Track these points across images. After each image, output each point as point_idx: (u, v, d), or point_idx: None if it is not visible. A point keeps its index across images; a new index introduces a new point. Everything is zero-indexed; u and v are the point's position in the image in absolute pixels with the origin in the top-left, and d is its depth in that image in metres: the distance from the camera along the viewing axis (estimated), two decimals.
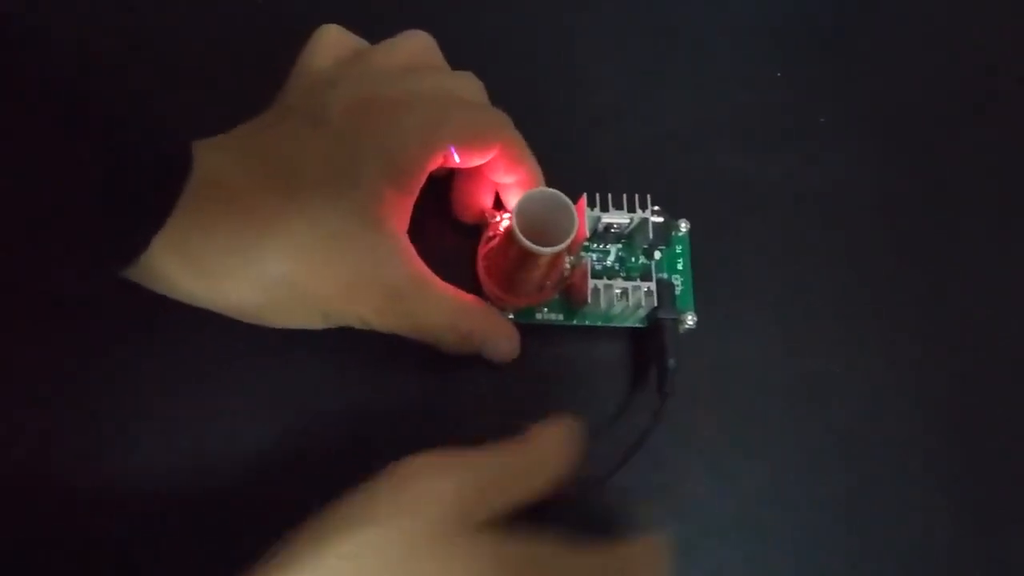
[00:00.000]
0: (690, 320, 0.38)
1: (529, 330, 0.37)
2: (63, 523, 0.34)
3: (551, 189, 0.33)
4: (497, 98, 0.38)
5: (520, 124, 0.36)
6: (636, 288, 0.36)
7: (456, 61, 0.38)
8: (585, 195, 0.37)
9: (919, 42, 0.46)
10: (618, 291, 0.36)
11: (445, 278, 0.36)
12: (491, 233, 0.37)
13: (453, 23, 0.40)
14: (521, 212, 0.32)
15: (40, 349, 0.36)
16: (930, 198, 0.43)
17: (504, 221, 0.37)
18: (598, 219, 0.37)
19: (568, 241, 0.32)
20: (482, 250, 0.37)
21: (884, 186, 0.43)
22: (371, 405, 0.36)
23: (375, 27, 0.37)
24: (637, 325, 0.38)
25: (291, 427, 0.36)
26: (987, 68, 0.46)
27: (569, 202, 0.32)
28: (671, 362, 0.36)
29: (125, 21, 0.42)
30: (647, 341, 0.38)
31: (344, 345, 0.36)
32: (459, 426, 0.36)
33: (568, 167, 0.39)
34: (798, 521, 0.37)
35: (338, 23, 0.37)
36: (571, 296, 0.38)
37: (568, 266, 0.37)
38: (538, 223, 0.33)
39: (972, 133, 0.44)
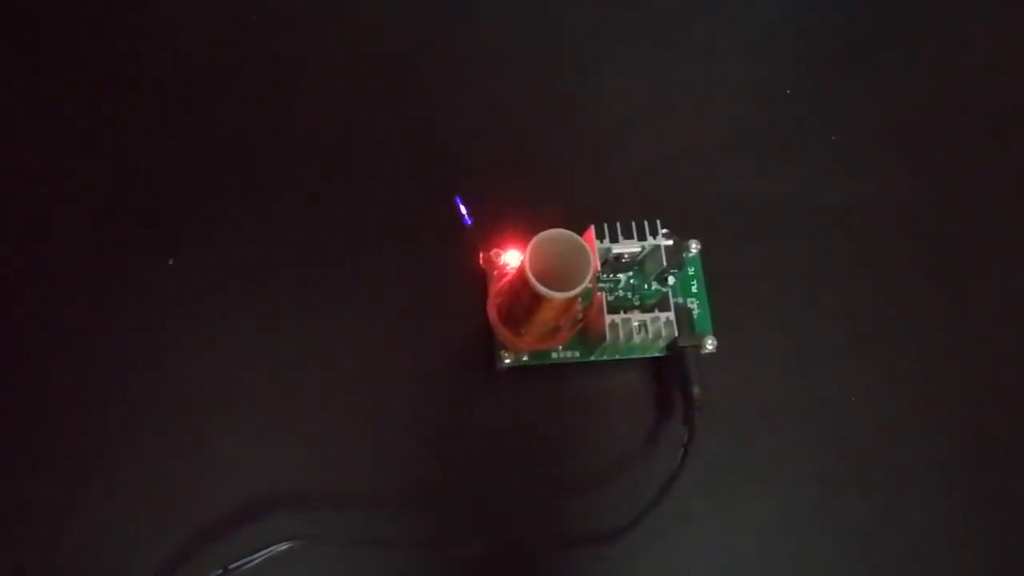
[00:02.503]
0: (710, 344, 0.36)
1: (546, 371, 0.36)
2: None
3: (565, 231, 0.31)
4: (494, 115, 0.37)
5: (519, 143, 0.35)
6: (655, 319, 0.35)
7: (453, 74, 0.37)
8: (593, 227, 0.35)
9: (935, 54, 0.44)
10: (636, 324, 0.34)
11: (451, 322, 0.35)
12: (497, 273, 0.36)
13: (451, 34, 0.39)
14: (535, 255, 0.31)
15: None
16: (951, 214, 0.41)
17: (511, 260, 0.36)
18: (608, 250, 0.35)
19: (585, 284, 0.30)
20: (491, 292, 0.35)
21: (902, 202, 0.41)
22: (389, 451, 0.35)
23: (375, 31, 0.37)
24: (657, 355, 0.37)
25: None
26: (1008, 80, 0.44)
27: (585, 245, 0.31)
28: (696, 391, 0.35)
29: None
30: (668, 369, 0.37)
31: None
32: (480, 470, 0.35)
33: (571, 188, 0.39)
34: (818, 549, 0.35)
35: (336, 27, 0.36)
36: (587, 333, 0.36)
37: (581, 305, 0.35)
38: (551, 265, 0.31)
39: (994, 146, 0.42)
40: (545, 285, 0.30)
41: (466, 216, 0.32)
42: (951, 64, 0.44)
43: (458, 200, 0.31)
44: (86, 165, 0.38)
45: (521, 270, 0.31)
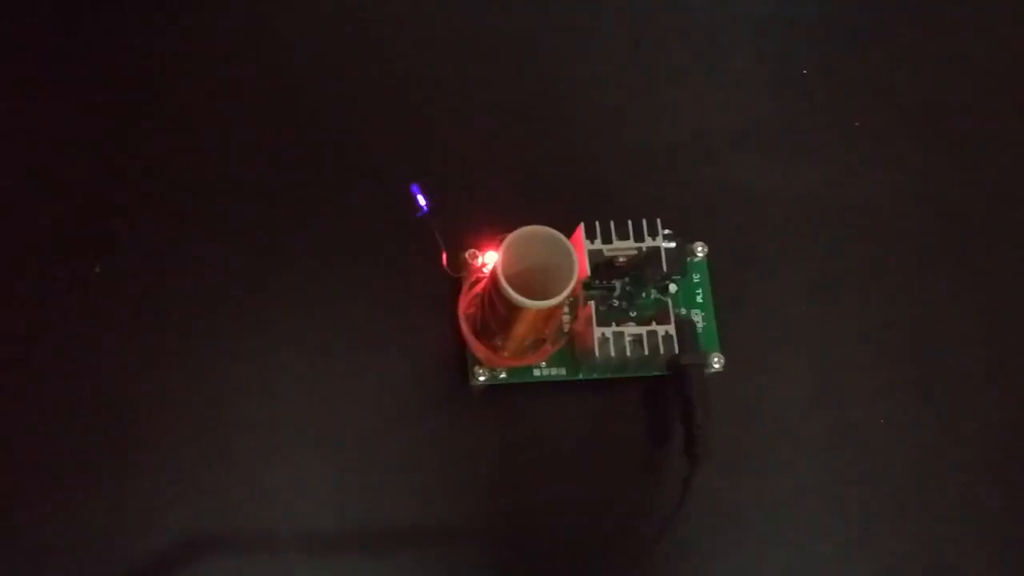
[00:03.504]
0: (716, 363, 0.33)
1: (527, 390, 0.34)
2: None
3: (544, 227, 0.28)
4: (481, 101, 0.36)
5: (505, 133, 0.35)
6: (652, 333, 0.31)
7: (440, 58, 0.37)
8: (583, 225, 0.32)
9: (968, 29, 0.41)
10: (630, 338, 0.31)
11: (420, 333, 0.33)
12: (473, 278, 0.32)
13: (439, 17, 0.38)
14: (508, 257, 0.28)
15: None
16: (990, 211, 0.38)
17: (488, 262, 0.32)
18: (600, 252, 0.32)
19: (568, 292, 0.27)
20: (463, 301, 0.32)
21: (933, 198, 0.38)
22: (347, 483, 0.33)
23: (374, 28, 0.37)
24: (654, 373, 0.33)
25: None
26: None
27: (567, 244, 0.28)
28: (699, 416, 0.32)
29: None
30: (667, 391, 0.34)
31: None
32: (450, 503, 0.33)
33: (561, 185, 0.37)
34: None
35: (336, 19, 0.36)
36: (574, 348, 0.33)
37: (567, 314, 0.32)
38: (529, 269, 0.28)
39: None
40: (522, 292, 0.27)
41: (423, 206, 0.29)
42: (987, 39, 0.41)
43: (415, 189, 0.28)
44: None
45: (493, 275, 0.28)
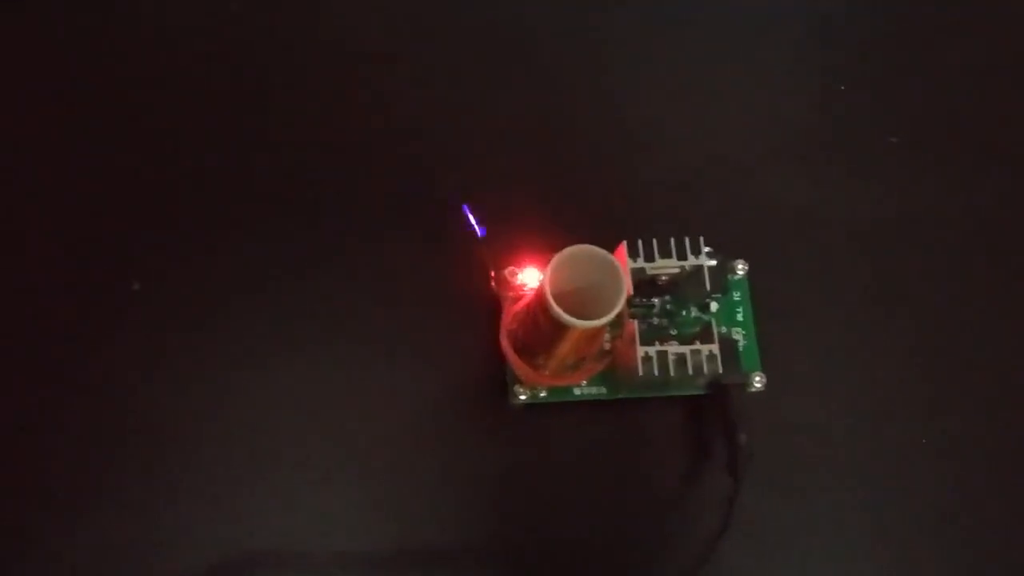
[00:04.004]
0: (758, 382, 0.33)
1: (567, 409, 0.33)
2: None
3: (593, 247, 0.27)
4: (514, 117, 0.36)
5: (542, 150, 0.35)
6: (696, 352, 0.31)
7: (465, 73, 0.37)
8: (625, 244, 0.31)
9: (1006, 49, 0.40)
10: (674, 357, 0.31)
11: (458, 351, 0.32)
12: (513, 295, 0.32)
13: (464, 27, 0.38)
14: (557, 276, 0.27)
15: None
16: None
17: (528, 280, 0.32)
18: (642, 271, 0.32)
19: (616, 311, 0.27)
20: (506, 317, 0.31)
21: (977, 216, 0.37)
22: (384, 501, 0.32)
23: (419, 50, 0.37)
24: (695, 392, 0.33)
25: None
26: None
27: (616, 263, 0.27)
28: (742, 437, 0.31)
29: None
30: (708, 411, 0.33)
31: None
32: (488, 524, 0.32)
33: (600, 201, 0.36)
34: None
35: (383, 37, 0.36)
36: (616, 367, 0.32)
37: (609, 335, 0.32)
38: (576, 288, 0.27)
39: None
40: (568, 311, 0.27)
41: (477, 227, 0.28)
42: None
43: (466, 210, 0.28)
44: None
45: (540, 293, 0.27)
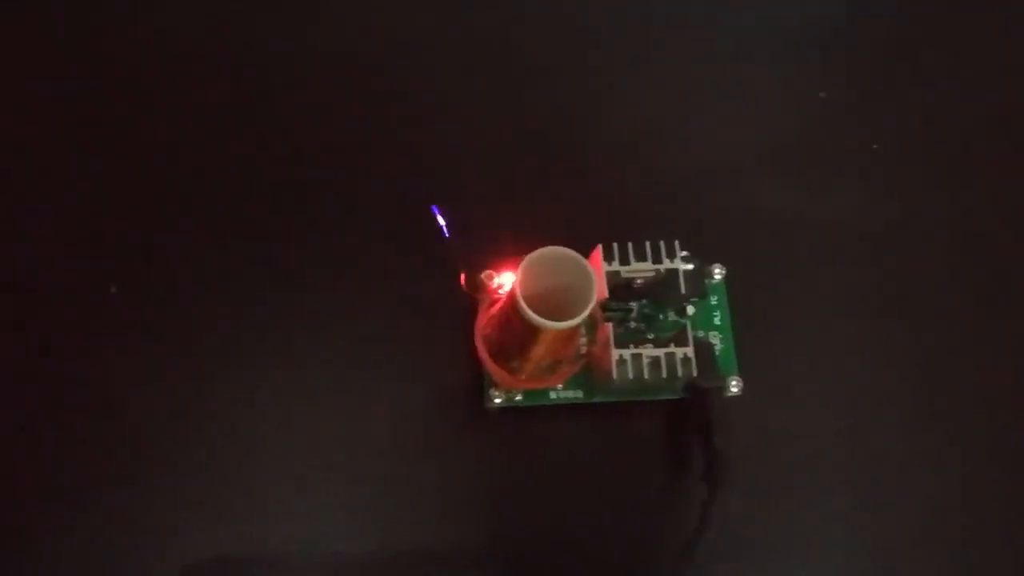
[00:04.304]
0: (735, 386, 0.32)
1: (543, 413, 0.33)
2: None
3: (564, 248, 0.27)
4: (491, 120, 0.36)
5: (522, 154, 0.34)
6: (670, 355, 0.31)
7: (458, 77, 0.36)
8: (600, 247, 0.31)
9: (989, 56, 0.40)
10: (648, 360, 0.30)
11: (436, 356, 0.32)
12: (490, 300, 0.32)
13: (442, 31, 0.38)
14: (528, 277, 0.27)
15: None
16: (1012, 238, 0.37)
17: (505, 283, 0.31)
18: (617, 273, 0.31)
19: (587, 312, 0.27)
20: (480, 321, 0.31)
21: (959, 222, 0.37)
22: (357, 507, 0.32)
23: (392, 47, 0.37)
24: (671, 396, 0.33)
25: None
26: None
27: (587, 264, 0.27)
28: (717, 439, 0.31)
29: None
30: (685, 414, 0.33)
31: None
32: (463, 529, 0.32)
33: (576, 206, 0.36)
34: None
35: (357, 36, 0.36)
36: (591, 370, 0.32)
37: (584, 338, 0.32)
38: (548, 290, 0.27)
39: None
40: (541, 313, 0.27)
41: (445, 227, 0.28)
42: (1013, 63, 0.40)
43: (435, 210, 0.27)
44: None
45: (512, 295, 0.27)
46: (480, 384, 0.32)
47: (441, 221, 0.29)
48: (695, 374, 0.31)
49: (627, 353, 0.30)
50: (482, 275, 0.32)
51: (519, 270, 0.27)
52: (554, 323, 0.26)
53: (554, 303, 0.27)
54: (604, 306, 0.32)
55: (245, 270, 0.34)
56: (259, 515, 0.31)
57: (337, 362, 0.33)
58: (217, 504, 0.31)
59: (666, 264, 0.31)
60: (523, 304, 0.26)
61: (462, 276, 0.31)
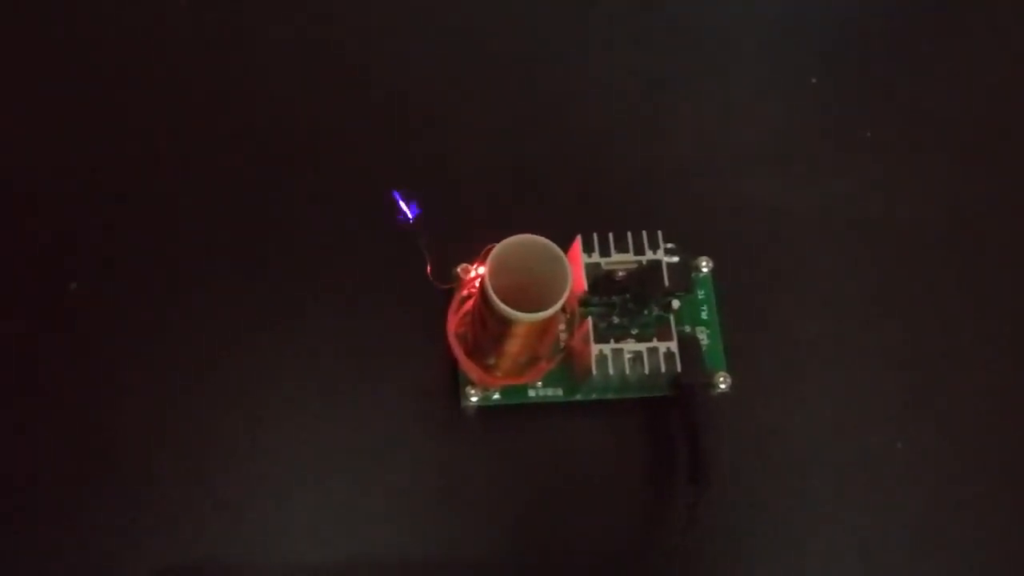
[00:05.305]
0: (722, 383, 0.32)
1: (521, 412, 0.32)
2: None
3: (535, 236, 0.26)
4: (477, 110, 0.35)
5: (502, 144, 0.34)
6: (653, 350, 0.30)
7: (436, 66, 0.36)
8: (580, 237, 0.31)
9: (979, 41, 0.40)
10: (630, 355, 0.30)
11: (409, 352, 0.31)
12: (465, 293, 0.31)
13: (420, 22, 0.37)
14: (497, 267, 0.26)
15: None
16: (1007, 228, 0.36)
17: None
18: (598, 266, 0.31)
19: (560, 303, 0.26)
20: (453, 318, 0.30)
21: (952, 214, 0.36)
22: (328, 513, 0.31)
23: (366, 34, 0.37)
24: (657, 394, 0.32)
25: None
26: None
27: (559, 252, 0.26)
28: (704, 437, 0.30)
29: None
30: (670, 413, 0.32)
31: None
32: (439, 534, 0.31)
33: (558, 198, 0.35)
34: None
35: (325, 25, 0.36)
36: (571, 366, 0.31)
37: (563, 331, 0.31)
38: (521, 282, 0.26)
39: None
40: (515, 305, 0.26)
41: (407, 212, 0.27)
42: (1002, 49, 0.40)
43: (396, 195, 0.27)
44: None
45: (482, 287, 0.26)
46: (455, 382, 0.31)
47: (404, 206, 0.28)
48: (679, 370, 0.30)
49: (608, 348, 0.29)
50: (457, 268, 0.31)
51: (487, 261, 0.26)
52: (527, 315, 0.26)
53: (528, 295, 0.26)
54: (585, 300, 0.31)
55: (215, 274, 0.34)
56: (232, 518, 0.31)
57: (307, 365, 0.32)
58: (187, 508, 0.31)
59: (649, 256, 0.31)
60: (493, 296, 0.25)
61: (428, 267, 0.30)
